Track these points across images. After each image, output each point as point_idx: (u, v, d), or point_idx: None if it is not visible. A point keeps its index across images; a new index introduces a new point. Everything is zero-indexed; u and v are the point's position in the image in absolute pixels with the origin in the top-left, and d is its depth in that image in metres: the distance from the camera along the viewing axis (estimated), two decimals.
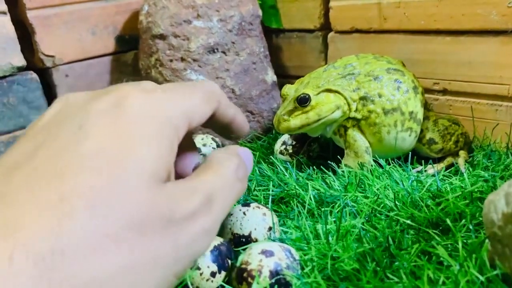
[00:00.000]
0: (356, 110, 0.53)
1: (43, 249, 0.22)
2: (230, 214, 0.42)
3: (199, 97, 0.34)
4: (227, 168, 0.33)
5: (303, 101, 0.52)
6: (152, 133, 0.29)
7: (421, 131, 0.55)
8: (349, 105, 0.53)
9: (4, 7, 0.62)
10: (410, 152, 0.54)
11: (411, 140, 0.54)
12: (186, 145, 0.36)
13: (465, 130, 0.57)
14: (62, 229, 0.23)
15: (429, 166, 0.54)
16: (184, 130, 0.32)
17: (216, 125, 0.38)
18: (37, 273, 0.21)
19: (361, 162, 0.53)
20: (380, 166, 0.52)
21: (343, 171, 0.52)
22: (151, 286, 0.26)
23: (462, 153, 0.55)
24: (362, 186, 0.49)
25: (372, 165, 0.53)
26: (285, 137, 0.62)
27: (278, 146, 0.61)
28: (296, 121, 0.53)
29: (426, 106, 0.57)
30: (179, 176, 0.37)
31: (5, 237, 0.22)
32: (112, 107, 0.29)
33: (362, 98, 0.53)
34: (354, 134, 0.54)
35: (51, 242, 0.22)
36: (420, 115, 0.54)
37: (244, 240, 0.40)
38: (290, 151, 0.60)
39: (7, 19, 0.62)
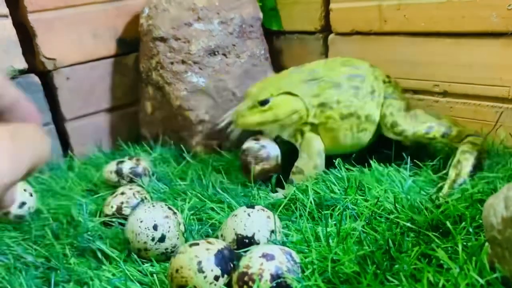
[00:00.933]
0: (314, 115, 0.55)
1: None
2: (234, 215, 0.42)
3: None
4: (33, 127, 0.34)
5: (263, 103, 0.54)
6: None
7: (385, 116, 0.56)
8: (307, 110, 0.55)
9: (6, 10, 0.62)
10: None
11: (367, 138, 0.57)
12: None
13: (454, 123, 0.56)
14: None
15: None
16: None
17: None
18: None
19: (313, 166, 0.54)
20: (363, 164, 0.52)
21: (341, 175, 0.52)
22: None
23: (463, 159, 0.53)
24: (362, 189, 0.49)
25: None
26: None
27: None
28: (254, 117, 0.55)
29: (393, 95, 0.57)
30: None
31: None
32: None
33: (321, 105, 0.55)
34: (310, 137, 0.55)
35: None
36: (375, 116, 0.56)
37: (247, 241, 0.40)
38: None
39: (8, 22, 0.63)
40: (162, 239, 0.41)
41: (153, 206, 0.43)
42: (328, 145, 0.55)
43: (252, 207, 0.42)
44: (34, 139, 0.36)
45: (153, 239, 0.41)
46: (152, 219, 0.42)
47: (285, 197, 0.50)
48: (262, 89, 0.55)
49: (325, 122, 0.55)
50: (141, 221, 0.42)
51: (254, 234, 0.40)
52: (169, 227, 0.42)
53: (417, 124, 0.54)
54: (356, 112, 0.54)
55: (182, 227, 0.43)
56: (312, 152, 0.54)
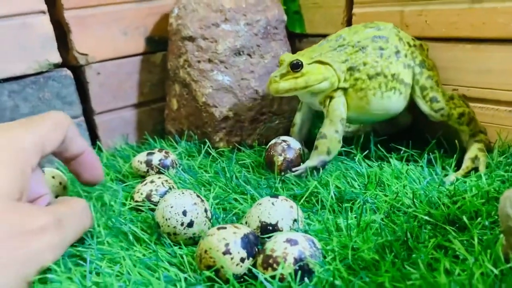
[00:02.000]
0: (345, 80, 0.58)
1: None
2: (259, 204, 0.44)
3: (48, 127, 0.42)
4: (78, 205, 0.43)
5: (295, 67, 0.56)
6: (5, 159, 0.37)
7: (425, 88, 0.59)
8: (338, 76, 0.58)
9: (44, 7, 0.66)
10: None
11: (397, 99, 0.59)
12: (36, 174, 0.43)
13: (473, 114, 0.60)
14: None
15: (452, 174, 0.56)
16: (37, 158, 0.40)
17: (67, 154, 0.46)
18: None
19: (334, 130, 0.57)
20: (382, 159, 0.54)
21: (362, 171, 0.54)
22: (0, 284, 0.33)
23: (482, 156, 0.56)
24: (382, 185, 0.51)
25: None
26: None
27: None
28: (285, 84, 0.57)
29: (426, 66, 0.61)
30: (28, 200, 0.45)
31: None
32: None
33: (350, 69, 0.58)
34: (336, 102, 0.58)
35: None
36: (403, 76, 0.59)
37: (271, 228, 0.42)
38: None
39: (46, 18, 0.66)
40: (190, 224, 0.44)
41: (183, 193, 0.45)
42: (358, 109, 0.59)
43: (276, 196, 0.45)
44: (79, 218, 0.43)
45: (182, 224, 0.44)
46: (181, 205, 0.44)
47: (311, 168, 0.55)
48: (294, 58, 0.58)
49: (354, 84, 0.58)
50: (171, 207, 0.44)
51: (277, 222, 0.42)
52: (197, 213, 0.44)
53: (454, 106, 0.58)
54: (383, 71, 0.58)
55: (209, 214, 0.45)
56: (335, 117, 0.57)
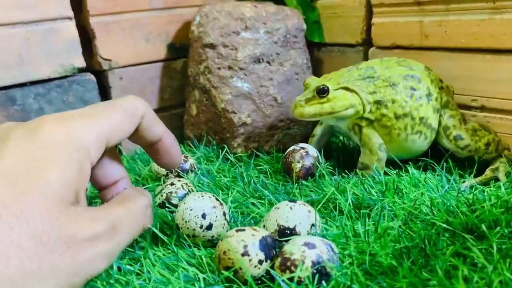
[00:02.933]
0: (370, 111, 0.57)
1: None
2: (277, 208, 0.45)
3: (118, 116, 0.38)
4: (138, 204, 0.39)
5: (321, 92, 0.56)
6: (61, 158, 0.33)
7: (447, 128, 0.59)
8: (363, 106, 0.57)
9: (71, 13, 0.68)
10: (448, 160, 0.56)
11: (421, 142, 0.59)
12: (110, 160, 0.41)
13: (499, 138, 0.59)
14: None
15: (469, 179, 0.56)
16: (99, 152, 0.37)
17: (143, 142, 0.43)
18: None
19: (376, 159, 0.56)
20: (400, 168, 0.54)
21: (379, 177, 0.54)
22: None
23: (502, 166, 0.56)
24: (399, 193, 0.51)
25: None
26: None
27: None
28: (310, 109, 0.57)
29: (449, 106, 0.60)
30: (103, 187, 0.43)
31: None
32: (28, 133, 0.33)
33: (377, 102, 0.57)
34: (369, 132, 0.58)
35: None
36: (431, 121, 0.58)
37: (288, 232, 0.42)
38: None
39: (72, 24, 0.68)
40: (209, 227, 0.44)
41: (202, 196, 0.46)
42: (385, 139, 0.58)
43: (294, 201, 0.45)
44: (136, 220, 0.39)
45: (201, 227, 0.44)
46: (201, 208, 0.45)
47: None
48: (321, 83, 0.58)
49: (380, 119, 0.57)
50: (190, 209, 0.45)
51: (295, 226, 0.43)
52: (216, 216, 0.45)
53: (479, 139, 0.57)
54: (411, 112, 0.56)
55: (227, 217, 0.46)
56: (374, 146, 0.57)
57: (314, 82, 0.60)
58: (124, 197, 0.40)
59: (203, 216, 0.44)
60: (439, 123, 0.59)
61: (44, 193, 0.31)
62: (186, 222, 0.45)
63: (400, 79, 0.57)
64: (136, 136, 0.41)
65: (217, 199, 0.47)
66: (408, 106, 0.56)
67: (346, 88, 0.57)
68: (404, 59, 0.61)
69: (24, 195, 0.30)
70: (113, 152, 0.42)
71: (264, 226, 0.45)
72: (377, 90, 0.57)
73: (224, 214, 0.46)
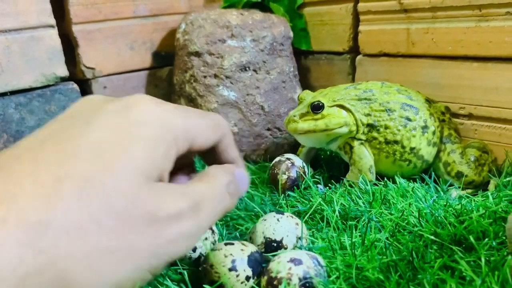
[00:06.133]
0: (363, 132, 0.57)
1: (32, 219, 0.25)
2: (264, 220, 0.43)
3: (205, 122, 0.36)
4: (219, 181, 0.36)
5: (316, 108, 0.55)
6: (150, 135, 0.31)
7: (448, 164, 0.57)
8: (357, 126, 0.56)
9: (53, 21, 0.66)
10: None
11: (410, 170, 0.58)
12: (186, 167, 0.39)
13: (494, 156, 0.59)
14: (51, 205, 0.26)
15: (454, 190, 0.55)
16: (184, 145, 0.34)
17: (216, 161, 0.40)
18: (24, 238, 0.24)
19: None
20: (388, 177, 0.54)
21: (366, 188, 0.53)
22: (123, 275, 0.28)
23: (492, 181, 0.56)
24: (387, 204, 0.50)
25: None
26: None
27: None
28: (304, 124, 0.56)
29: (451, 139, 0.58)
30: None
31: (1, 203, 0.25)
32: (121, 109, 0.32)
33: (370, 125, 0.56)
34: (360, 151, 0.57)
35: (40, 215, 0.25)
36: (423, 153, 0.57)
37: (275, 245, 0.41)
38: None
39: (55, 32, 0.67)
40: (195, 253, 0.43)
41: None
42: (374, 159, 0.57)
43: (281, 213, 0.44)
44: (219, 199, 0.35)
45: (190, 258, 0.43)
46: None
47: None
48: (316, 98, 0.57)
49: (370, 141, 0.57)
50: None
51: (282, 238, 0.42)
52: (206, 247, 0.43)
53: (482, 170, 0.57)
54: (402, 141, 0.56)
55: (216, 236, 0.45)
56: (364, 167, 0.56)
57: (309, 96, 0.59)
58: (207, 175, 0.36)
59: (193, 249, 0.43)
60: (439, 159, 0.58)
61: (127, 167, 0.29)
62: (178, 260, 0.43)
63: (398, 106, 0.56)
64: (211, 153, 0.39)
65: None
66: (400, 135, 0.56)
67: (342, 106, 0.56)
68: (406, 89, 0.60)
69: (108, 169, 0.28)
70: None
71: (250, 239, 0.44)
72: (372, 113, 0.56)
73: (214, 242, 0.44)
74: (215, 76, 0.69)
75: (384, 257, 0.40)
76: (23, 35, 0.65)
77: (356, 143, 0.57)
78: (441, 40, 0.63)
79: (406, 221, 0.45)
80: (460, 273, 0.37)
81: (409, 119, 0.56)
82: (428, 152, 0.57)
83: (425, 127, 0.56)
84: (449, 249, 0.40)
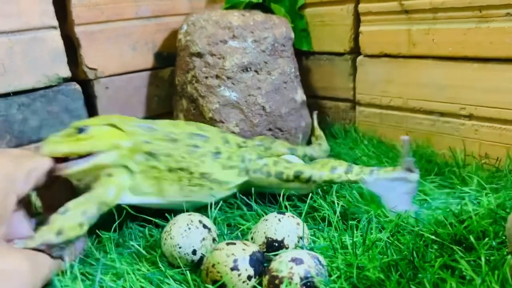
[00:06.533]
0: (136, 162, 0.50)
1: None
2: (265, 220, 0.44)
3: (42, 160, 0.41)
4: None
5: (81, 129, 0.48)
6: None
7: (257, 170, 0.55)
8: (130, 152, 0.49)
9: (55, 22, 0.67)
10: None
11: (203, 195, 0.53)
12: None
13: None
14: None
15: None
16: (26, 186, 0.39)
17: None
18: None
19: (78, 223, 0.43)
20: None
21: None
22: None
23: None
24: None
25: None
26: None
27: None
28: (64, 146, 0.46)
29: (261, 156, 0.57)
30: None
31: None
32: None
33: (148, 153, 0.50)
34: (105, 183, 0.47)
35: None
36: (220, 177, 0.53)
37: (276, 244, 0.42)
38: None
39: (57, 33, 0.67)
40: (194, 252, 0.43)
41: (189, 229, 0.44)
42: (153, 190, 0.51)
43: (283, 213, 0.44)
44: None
45: (192, 261, 0.43)
46: (190, 245, 0.43)
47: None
48: (88, 121, 0.51)
49: (147, 171, 0.50)
50: (179, 247, 0.43)
51: (283, 238, 0.42)
52: (206, 247, 0.44)
53: (324, 168, 0.54)
54: (189, 168, 0.52)
55: (216, 238, 0.45)
56: (97, 198, 0.45)
57: (80, 121, 0.51)
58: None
59: (194, 252, 0.43)
60: (253, 171, 0.55)
61: None
62: (176, 258, 0.43)
63: (184, 136, 0.53)
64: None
65: (204, 225, 0.45)
66: (186, 162, 0.52)
67: (115, 126, 0.50)
68: (201, 125, 0.58)
69: None
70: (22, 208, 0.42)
71: (251, 238, 0.44)
72: (152, 141, 0.51)
73: (214, 240, 0.45)
74: (217, 76, 0.70)
75: (385, 256, 0.40)
76: (26, 36, 0.65)
77: (114, 172, 0.49)
78: (442, 41, 0.64)
79: (406, 222, 0.46)
80: (460, 273, 0.37)
81: (196, 146, 0.53)
82: (228, 175, 0.54)
83: (217, 153, 0.54)
84: (450, 249, 0.40)
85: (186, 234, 0.43)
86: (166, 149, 0.51)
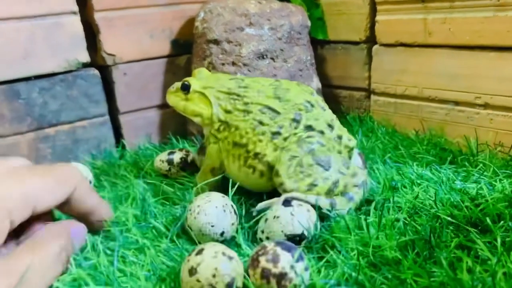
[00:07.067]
0: (217, 129, 0.52)
1: None
2: (277, 217, 0.44)
3: (49, 181, 0.37)
4: (50, 250, 0.36)
5: (183, 87, 0.54)
6: None
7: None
8: (211, 121, 0.52)
9: (76, 8, 0.68)
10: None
11: (255, 178, 0.50)
12: (43, 216, 0.39)
13: None
14: None
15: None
16: (23, 212, 0.35)
17: (73, 212, 0.42)
18: None
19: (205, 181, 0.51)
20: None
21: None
22: None
23: None
24: (405, 187, 0.51)
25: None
26: None
27: None
28: (171, 99, 0.56)
29: None
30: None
31: None
32: None
33: (224, 123, 0.51)
34: (209, 150, 0.53)
35: None
36: (270, 158, 0.49)
37: (298, 238, 0.42)
38: None
39: (77, 19, 0.68)
40: (222, 234, 0.44)
41: (224, 211, 0.44)
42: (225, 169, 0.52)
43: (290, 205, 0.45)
44: (47, 268, 0.36)
45: (216, 241, 0.44)
46: (221, 227, 0.44)
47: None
48: (189, 79, 0.55)
49: (223, 141, 0.52)
50: (212, 226, 0.43)
51: (302, 231, 0.43)
52: (231, 233, 0.45)
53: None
54: (247, 145, 0.50)
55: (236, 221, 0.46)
56: (206, 167, 0.53)
57: (200, 75, 0.57)
58: (37, 242, 0.37)
59: (222, 234, 0.44)
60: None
61: None
62: (203, 235, 0.44)
63: (257, 108, 0.50)
64: (65, 207, 0.41)
65: (235, 212, 0.45)
66: (247, 138, 0.50)
67: (203, 95, 0.53)
68: (305, 87, 0.54)
69: None
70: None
71: (267, 238, 0.43)
72: (232, 110, 0.51)
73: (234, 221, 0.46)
74: (233, 63, 0.71)
75: (402, 236, 0.41)
76: (47, 21, 0.66)
77: (211, 140, 0.53)
78: (459, 30, 0.64)
79: (422, 203, 0.46)
80: (475, 253, 0.38)
81: (261, 122, 0.50)
82: (278, 157, 0.49)
83: (276, 133, 0.49)
84: (465, 230, 0.41)
85: (222, 215, 0.44)
86: (236, 120, 0.51)
